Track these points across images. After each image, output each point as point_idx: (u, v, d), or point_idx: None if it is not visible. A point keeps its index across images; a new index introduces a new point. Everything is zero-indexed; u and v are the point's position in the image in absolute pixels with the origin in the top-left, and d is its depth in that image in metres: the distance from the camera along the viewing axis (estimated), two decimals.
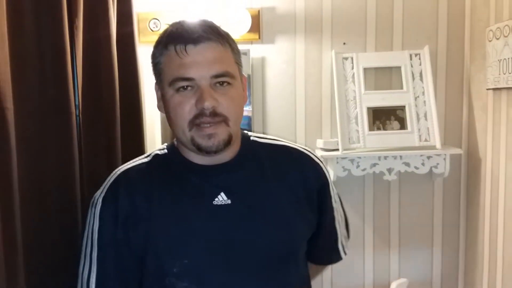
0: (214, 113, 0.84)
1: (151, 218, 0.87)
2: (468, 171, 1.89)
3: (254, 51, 1.83)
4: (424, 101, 1.79)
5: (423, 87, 1.80)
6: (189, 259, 0.86)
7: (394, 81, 1.84)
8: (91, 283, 0.88)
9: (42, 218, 1.26)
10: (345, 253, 1.07)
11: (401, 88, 1.81)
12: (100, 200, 0.90)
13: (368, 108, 1.78)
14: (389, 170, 1.78)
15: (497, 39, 1.60)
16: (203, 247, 0.86)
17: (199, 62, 0.84)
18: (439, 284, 1.94)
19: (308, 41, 1.84)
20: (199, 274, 0.87)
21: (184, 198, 0.89)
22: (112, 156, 1.46)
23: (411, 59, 1.82)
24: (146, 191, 0.90)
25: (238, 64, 0.91)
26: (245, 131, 1.00)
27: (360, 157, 1.76)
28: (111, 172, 0.96)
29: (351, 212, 1.81)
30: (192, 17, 1.65)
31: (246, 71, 1.68)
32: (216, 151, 0.86)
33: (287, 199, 0.93)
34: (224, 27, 0.92)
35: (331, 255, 1.07)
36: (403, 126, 1.78)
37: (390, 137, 1.77)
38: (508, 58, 1.54)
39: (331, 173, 1.73)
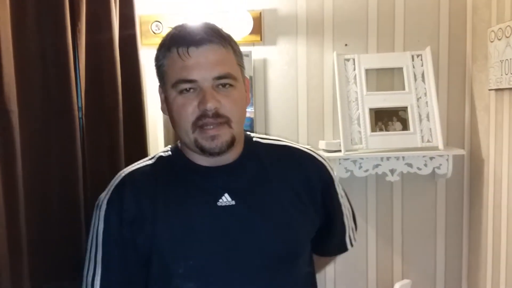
0: (217, 115, 0.84)
1: (156, 220, 0.87)
2: (471, 171, 1.89)
3: (256, 53, 1.83)
4: (426, 102, 1.79)
5: (425, 88, 1.80)
6: (194, 260, 0.86)
7: (396, 82, 1.84)
8: (95, 285, 0.88)
9: (46, 218, 1.27)
10: (351, 245, 1.08)
11: (403, 89, 1.81)
12: (105, 202, 0.90)
13: (370, 109, 1.78)
14: (392, 171, 1.78)
15: (499, 39, 1.60)
16: (208, 248, 0.87)
17: (201, 64, 0.84)
18: (443, 284, 1.94)
19: (309, 42, 1.85)
20: (204, 275, 0.87)
21: (188, 200, 0.89)
22: (114, 157, 1.47)
23: (413, 60, 1.82)
24: (151, 193, 0.90)
25: (240, 66, 0.91)
26: (248, 132, 1.00)
27: (362, 158, 1.76)
28: (114, 173, 0.96)
29: None
30: (194, 19, 1.66)
31: (248, 73, 1.69)
32: (219, 153, 0.87)
33: (291, 200, 0.93)
34: (226, 29, 0.92)
35: (339, 248, 1.08)
36: (405, 127, 1.78)
37: (393, 138, 1.77)
38: (510, 59, 1.53)
39: None
